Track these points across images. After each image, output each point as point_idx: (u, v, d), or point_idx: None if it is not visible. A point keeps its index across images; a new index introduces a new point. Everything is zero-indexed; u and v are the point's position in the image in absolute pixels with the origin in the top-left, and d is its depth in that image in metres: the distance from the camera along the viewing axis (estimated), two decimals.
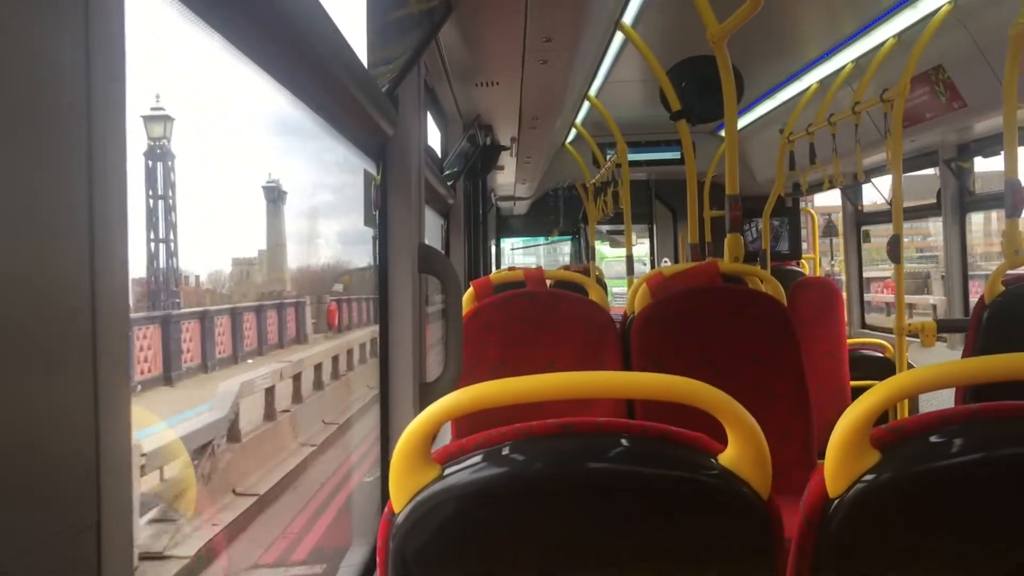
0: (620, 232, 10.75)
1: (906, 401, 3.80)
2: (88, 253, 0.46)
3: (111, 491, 0.49)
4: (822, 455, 1.19)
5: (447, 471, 1.11)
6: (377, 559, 1.14)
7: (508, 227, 12.24)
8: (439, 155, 4.33)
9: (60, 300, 0.45)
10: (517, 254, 14.94)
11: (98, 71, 0.47)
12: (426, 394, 2.03)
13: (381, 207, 1.98)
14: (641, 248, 10.13)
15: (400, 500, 1.11)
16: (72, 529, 0.46)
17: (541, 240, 14.16)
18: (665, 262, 9.40)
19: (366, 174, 1.94)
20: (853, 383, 4.36)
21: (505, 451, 1.12)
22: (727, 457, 1.11)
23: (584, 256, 10.69)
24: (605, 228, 10.92)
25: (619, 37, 4.17)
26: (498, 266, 10.22)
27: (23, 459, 0.41)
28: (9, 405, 0.40)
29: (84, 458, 0.47)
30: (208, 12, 0.88)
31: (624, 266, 7.02)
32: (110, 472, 0.49)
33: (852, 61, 4.57)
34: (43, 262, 0.43)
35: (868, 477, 1.12)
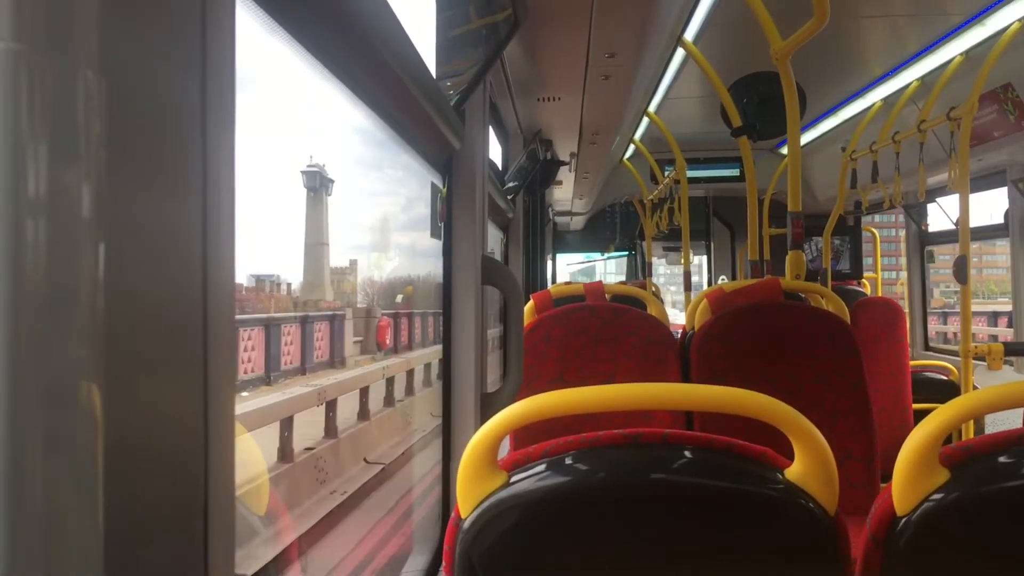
0: (676, 248, 10.70)
1: (971, 422, 3.71)
2: (201, 261, 0.50)
3: (217, 488, 0.52)
4: (885, 478, 1.18)
5: (513, 478, 1.13)
6: (443, 563, 1.16)
7: (564, 242, 12.24)
8: (500, 169, 4.37)
9: (176, 303, 0.48)
10: (571, 269, 14.93)
11: (212, 88, 0.51)
12: (487, 404, 2.05)
13: (446, 220, 2.01)
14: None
15: (467, 506, 1.13)
16: (181, 523, 0.49)
17: (597, 255, 14.13)
18: (723, 279, 9.32)
19: (433, 187, 1.98)
20: (916, 406, 4.27)
21: (570, 460, 1.13)
22: (794, 472, 1.11)
23: (641, 272, 10.64)
24: (661, 244, 10.87)
25: (680, 53, 4.17)
26: (554, 281, 10.23)
27: (139, 456, 0.44)
28: (131, 403, 0.43)
29: (194, 454, 0.50)
30: (297, 30, 0.92)
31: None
32: (216, 469, 0.52)
33: (918, 79, 4.50)
34: (162, 269, 0.47)
35: (937, 496, 1.11)
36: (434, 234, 2.03)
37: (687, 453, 1.13)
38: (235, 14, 0.56)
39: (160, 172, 0.47)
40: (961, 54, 4.05)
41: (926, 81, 4.47)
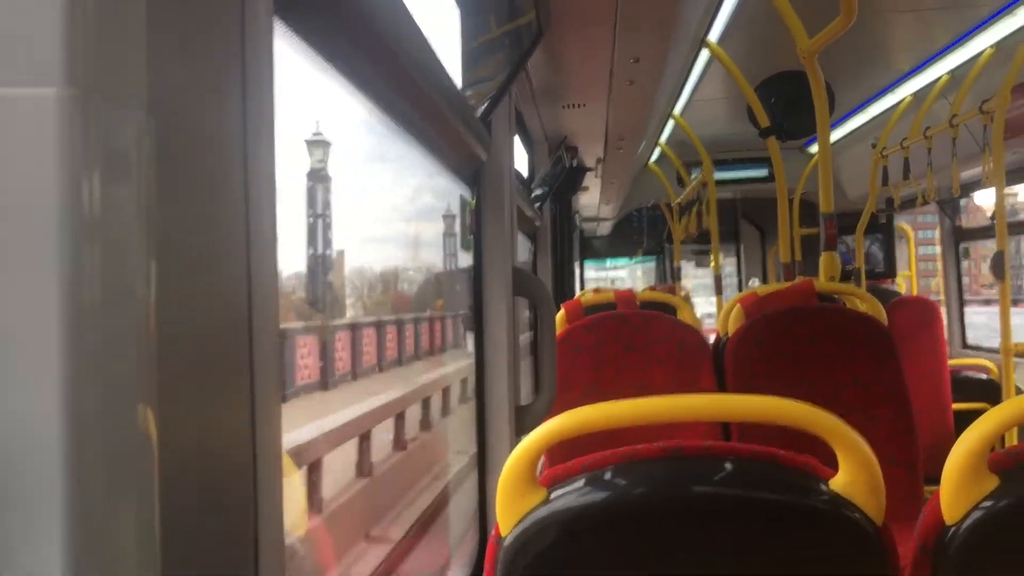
0: (705, 252, 10.64)
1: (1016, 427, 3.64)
2: (246, 279, 0.51)
3: (266, 494, 0.53)
4: (926, 481, 1.15)
5: (553, 494, 1.11)
6: None
7: (591, 248, 12.21)
8: (526, 177, 4.37)
9: (222, 314, 0.50)
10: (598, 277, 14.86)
11: (253, 113, 0.52)
12: (521, 417, 2.04)
13: (475, 231, 2.00)
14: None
15: (507, 523, 1.11)
16: (233, 527, 0.50)
17: (623, 261, 14.07)
18: (754, 282, 9.24)
19: (462, 199, 1.97)
20: (956, 406, 4.20)
21: (610, 475, 1.12)
22: (839, 482, 1.09)
23: (669, 276, 10.59)
24: (690, 248, 10.81)
25: (704, 54, 4.14)
26: (582, 287, 10.21)
27: (190, 473, 0.45)
28: (182, 420, 0.44)
29: (243, 461, 0.51)
30: (328, 51, 0.91)
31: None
32: (265, 476, 0.53)
33: (948, 72, 4.44)
34: (209, 288, 0.48)
35: (987, 503, 1.09)
36: (464, 246, 2.03)
37: (729, 465, 1.11)
38: (272, 43, 0.56)
39: (207, 197, 0.48)
40: (992, 46, 3.98)
41: (956, 75, 4.41)
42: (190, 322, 0.45)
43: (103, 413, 0.34)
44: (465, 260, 2.11)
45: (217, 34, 0.49)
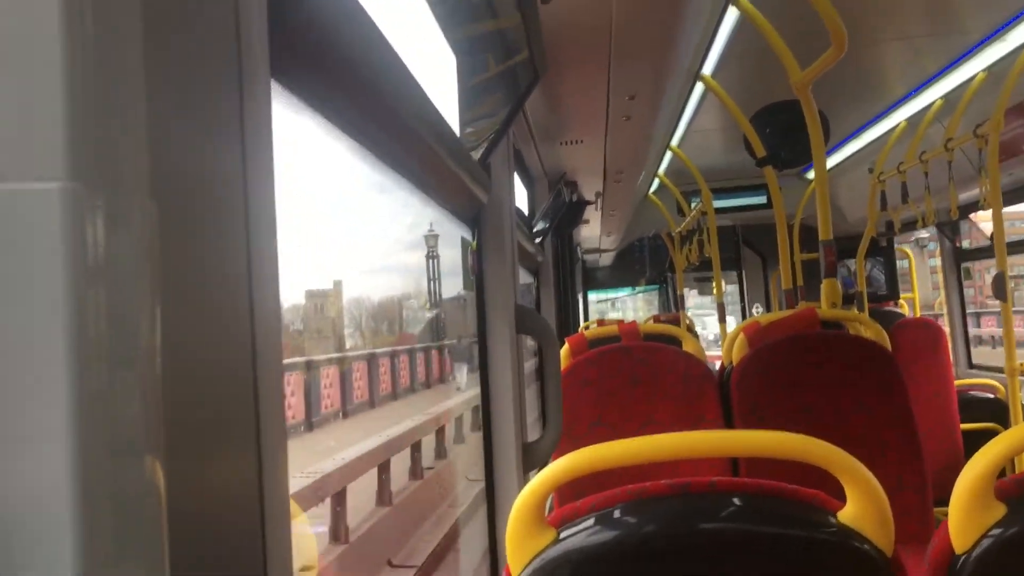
0: (707, 279, 10.64)
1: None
2: (249, 324, 0.52)
3: (275, 540, 0.54)
4: (936, 502, 1.15)
5: (563, 534, 1.12)
6: None
7: (594, 279, 12.23)
8: (526, 214, 4.40)
9: (228, 365, 0.51)
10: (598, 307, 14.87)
11: (252, 162, 0.54)
12: (528, 454, 2.04)
13: (478, 272, 2.02)
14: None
15: (518, 564, 1.12)
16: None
17: (626, 292, 14.09)
18: (757, 308, 9.24)
19: (463, 240, 2.00)
20: (964, 426, 4.18)
21: (618, 513, 1.12)
22: (847, 514, 1.09)
23: (672, 305, 10.59)
24: (692, 276, 10.82)
25: (699, 87, 4.19)
26: (586, 319, 10.21)
27: (199, 514, 0.46)
28: (188, 466, 0.45)
29: (250, 507, 0.52)
30: (323, 106, 0.94)
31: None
32: (273, 522, 0.54)
33: (941, 97, 4.48)
34: (214, 334, 0.50)
35: (995, 531, 1.09)
36: (467, 287, 2.05)
37: (736, 501, 1.12)
38: (271, 104, 0.58)
39: (212, 262, 0.50)
40: (983, 70, 4.02)
41: (950, 99, 4.45)
42: (195, 373, 0.47)
43: (111, 465, 0.35)
44: (451, 284, 2.13)
45: (216, 101, 0.51)
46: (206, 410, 0.48)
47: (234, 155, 0.52)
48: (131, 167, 0.37)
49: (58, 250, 0.33)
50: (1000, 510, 1.10)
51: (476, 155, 1.91)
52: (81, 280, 0.34)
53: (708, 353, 4.26)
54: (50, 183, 0.33)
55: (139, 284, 0.37)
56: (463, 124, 2.07)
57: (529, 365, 3.95)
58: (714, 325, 10.33)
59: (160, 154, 0.42)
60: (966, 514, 1.10)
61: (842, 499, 1.11)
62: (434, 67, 1.95)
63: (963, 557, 1.10)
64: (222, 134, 0.51)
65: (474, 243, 2.02)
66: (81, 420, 0.34)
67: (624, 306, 17.03)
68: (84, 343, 0.34)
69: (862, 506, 1.09)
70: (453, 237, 2.00)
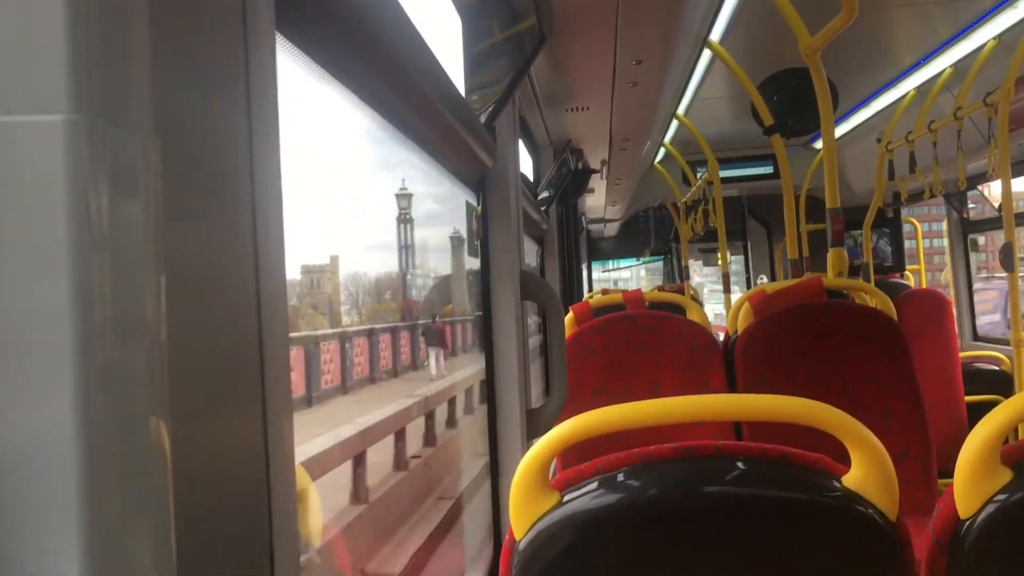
0: (712, 250, 10.61)
1: None
2: (255, 289, 0.52)
3: (280, 503, 0.54)
4: (941, 474, 1.15)
5: (566, 498, 1.12)
6: None
7: (599, 249, 12.20)
8: (531, 181, 4.38)
9: (233, 326, 0.50)
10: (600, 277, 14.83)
11: (257, 114, 0.53)
12: (532, 421, 2.04)
13: (482, 237, 2.01)
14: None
15: (521, 527, 1.12)
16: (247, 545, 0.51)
17: (631, 262, 14.06)
18: (762, 279, 9.23)
19: (468, 205, 1.98)
20: (968, 398, 4.18)
21: (622, 477, 1.12)
22: (852, 479, 1.09)
23: (677, 276, 10.58)
24: (698, 246, 10.79)
25: (706, 54, 4.15)
26: (591, 289, 10.20)
27: (205, 477, 0.46)
28: (195, 433, 0.45)
29: (257, 471, 0.52)
30: (328, 60, 0.92)
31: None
32: (279, 485, 0.53)
33: (951, 66, 4.43)
34: (218, 300, 0.49)
35: (1000, 497, 1.09)
36: (471, 253, 2.04)
37: (741, 464, 1.12)
38: (275, 56, 0.57)
39: (215, 211, 0.49)
40: (994, 38, 3.97)
41: (959, 68, 4.40)
42: (201, 335, 0.46)
43: (116, 426, 0.35)
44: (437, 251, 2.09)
45: (220, 48, 0.50)
46: (211, 362, 0.47)
47: (239, 100, 0.51)
48: (135, 103, 0.37)
49: (60, 183, 0.33)
50: (1006, 475, 1.09)
51: (481, 119, 1.89)
52: (83, 214, 0.33)
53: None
54: (54, 115, 0.33)
55: (143, 212, 0.37)
56: (468, 89, 2.05)
57: (533, 342, 3.91)
58: (713, 305, 10.28)
59: (163, 93, 0.41)
60: (971, 479, 1.10)
61: (847, 465, 1.11)
62: (440, 30, 1.93)
63: (968, 522, 1.10)
64: (226, 78, 0.51)
65: (479, 207, 2.01)
66: (86, 357, 0.33)
67: (625, 282, 17.01)
68: (87, 281, 0.34)
69: (866, 471, 1.08)
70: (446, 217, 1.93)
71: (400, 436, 3.98)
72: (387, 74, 1.08)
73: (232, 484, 0.50)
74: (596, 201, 7.54)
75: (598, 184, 6.04)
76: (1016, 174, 4.55)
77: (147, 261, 0.37)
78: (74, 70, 0.33)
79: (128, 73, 0.37)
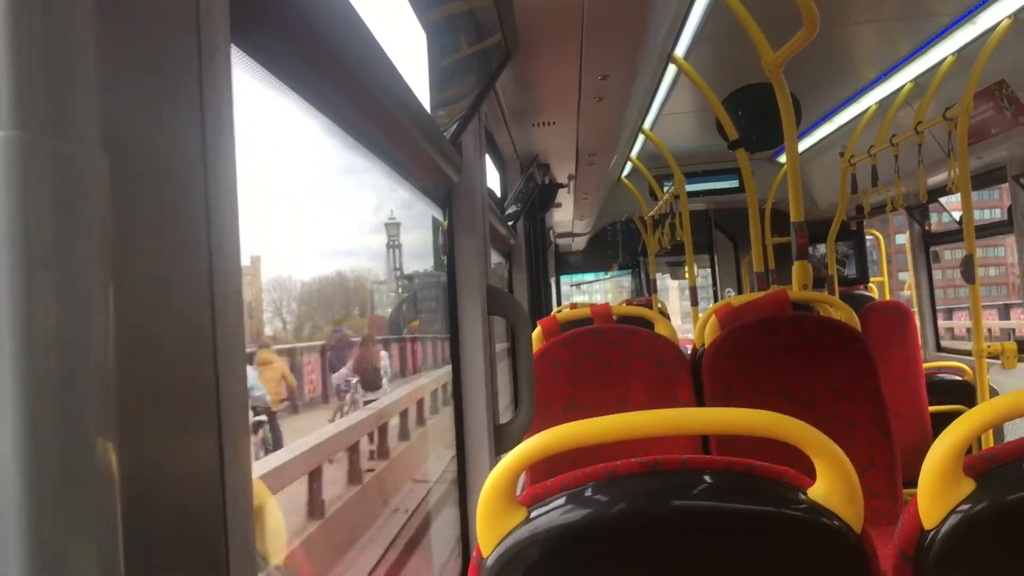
0: (680, 263, 10.67)
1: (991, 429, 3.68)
2: (209, 304, 0.51)
3: (237, 524, 0.53)
4: (907, 484, 1.16)
5: (533, 514, 1.11)
6: None
7: (567, 263, 12.23)
8: (499, 196, 4.38)
9: (186, 343, 0.50)
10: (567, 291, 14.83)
11: (212, 140, 0.52)
12: (500, 436, 2.04)
13: (448, 252, 2.01)
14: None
15: (488, 544, 1.11)
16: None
17: (600, 275, 14.10)
18: (729, 292, 9.29)
19: (434, 220, 1.98)
20: (932, 408, 4.23)
21: (589, 492, 1.11)
22: (817, 491, 1.09)
23: (645, 289, 10.63)
24: (665, 260, 10.85)
25: (672, 69, 4.18)
26: (559, 303, 10.22)
27: (156, 499, 0.45)
28: (145, 454, 0.44)
29: (212, 492, 0.51)
30: (286, 74, 0.92)
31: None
32: (235, 506, 0.52)
33: (911, 80, 4.51)
34: (170, 315, 0.48)
35: (964, 507, 1.10)
36: (437, 267, 2.03)
37: (707, 478, 1.12)
38: (230, 70, 0.56)
39: (168, 225, 0.48)
40: (953, 54, 4.05)
41: (920, 82, 4.48)
42: (154, 350, 0.45)
43: (59, 444, 0.34)
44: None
45: (173, 60, 0.49)
46: (163, 380, 0.46)
47: (192, 113, 0.50)
48: (81, 117, 0.36)
49: (2, 199, 0.32)
50: (969, 486, 1.10)
51: (447, 135, 1.88)
52: (22, 231, 0.33)
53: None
54: None
55: (89, 236, 0.36)
56: (434, 105, 2.05)
57: (500, 347, 3.87)
58: (676, 318, 10.32)
59: (113, 112, 0.41)
60: (935, 490, 1.11)
61: (812, 478, 1.11)
62: (404, 45, 1.93)
63: (932, 533, 1.11)
64: (179, 91, 0.50)
65: (445, 222, 2.00)
66: (27, 375, 0.33)
67: (592, 291, 17.02)
68: (29, 297, 0.33)
69: (831, 483, 1.09)
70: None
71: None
72: (348, 88, 1.07)
73: (185, 502, 0.49)
74: (564, 215, 7.56)
75: (565, 198, 6.06)
76: (976, 187, 4.63)
77: (94, 276, 0.36)
78: (15, 86, 0.33)
79: (73, 88, 0.36)
